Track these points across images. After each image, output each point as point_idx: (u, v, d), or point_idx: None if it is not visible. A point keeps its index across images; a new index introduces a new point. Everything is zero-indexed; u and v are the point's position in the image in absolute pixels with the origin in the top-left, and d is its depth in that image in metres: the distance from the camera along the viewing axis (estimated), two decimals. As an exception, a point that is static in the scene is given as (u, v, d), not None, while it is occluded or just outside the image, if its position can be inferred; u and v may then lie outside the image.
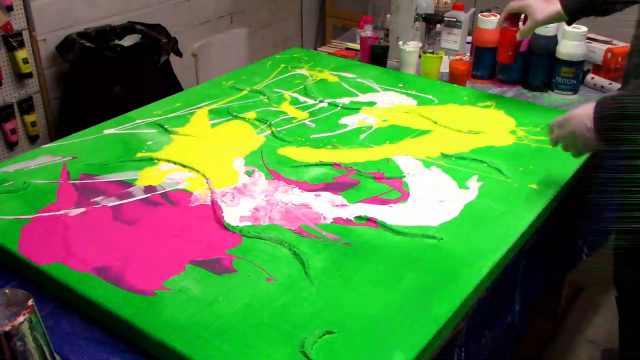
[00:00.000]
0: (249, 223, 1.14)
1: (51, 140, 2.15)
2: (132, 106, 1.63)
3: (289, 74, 1.85)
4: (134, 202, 1.20)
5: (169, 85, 2.56)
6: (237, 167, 1.34)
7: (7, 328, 0.70)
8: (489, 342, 1.16)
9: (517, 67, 1.86)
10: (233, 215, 1.16)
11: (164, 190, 1.24)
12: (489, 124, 1.53)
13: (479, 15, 1.90)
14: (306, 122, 1.55)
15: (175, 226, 1.13)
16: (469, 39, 2.03)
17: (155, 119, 1.55)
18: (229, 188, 1.25)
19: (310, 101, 1.67)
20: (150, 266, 1.02)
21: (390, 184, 1.27)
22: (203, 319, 0.91)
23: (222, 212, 1.16)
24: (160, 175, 1.29)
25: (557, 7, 1.43)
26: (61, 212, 1.16)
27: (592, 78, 1.88)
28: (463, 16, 2.00)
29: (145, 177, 1.29)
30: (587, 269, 2.24)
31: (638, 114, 1.06)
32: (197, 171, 1.31)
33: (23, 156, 1.39)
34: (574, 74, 1.79)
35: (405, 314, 0.92)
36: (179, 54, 2.67)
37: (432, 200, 1.21)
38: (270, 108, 1.62)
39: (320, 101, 1.66)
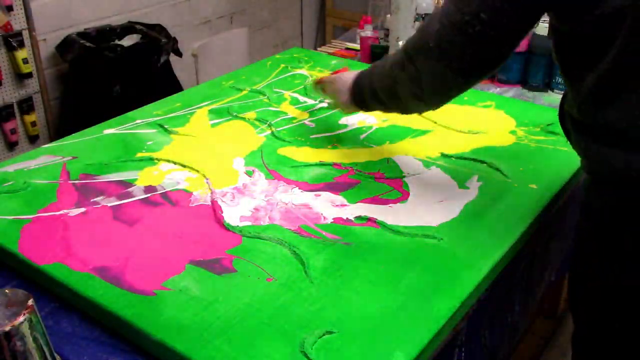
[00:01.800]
0: (249, 223, 1.14)
1: (51, 140, 2.15)
2: (132, 106, 1.63)
3: (289, 74, 1.85)
4: (134, 202, 1.20)
5: (169, 85, 2.56)
6: (237, 167, 1.34)
7: (7, 328, 0.70)
8: (489, 342, 1.16)
9: (517, 67, 1.86)
10: (233, 215, 1.16)
11: (164, 190, 1.24)
12: (489, 124, 1.53)
13: (479, 15, 1.90)
14: (306, 122, 1.55)
15: (175, 226, 1.13)
16: (469, 39, 2.03)
17: (155, 119, 1.55)
18: (229, 188, 1.25)
19: (310, 101, 1.67)
20: (150, 266, 1.02)
21: (390, 184, 1.27)
22: (203, 319, 0.91)
23: (222, 212, 1.16)
24: (160, 175, 1.29)
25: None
26: (61, 212, 1.16)
27: (592, 78, 1.88)
28: (463, 16, 2.00)
29: (145, 177, 1.29)
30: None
31: (376, 88, 1.18)
32: (197, 171, 1.31)
33: (23, 156, 1.39)
34: (574, 74, 1.78)
35: (405, 314, 0.92)
36: (179, 54, 2.67)
37: (432, 200, 1.21)
38: (270, 108, 1.62)
39: (320, 101, 1.66)
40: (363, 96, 1.24)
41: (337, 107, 1.43)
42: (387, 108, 1.23)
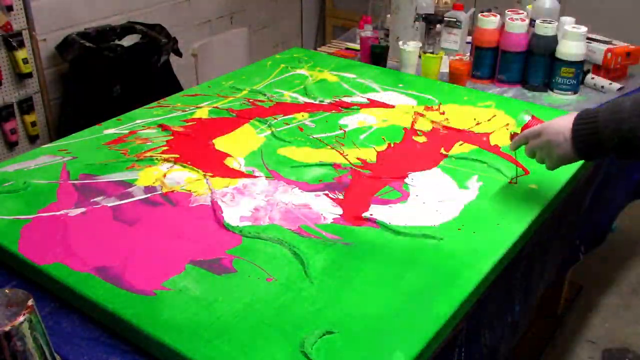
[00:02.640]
0: (249, 223, 1.14)
1: (51, 140, 2.15)
2: (132, 106, 1.63)
3: (289, 74, 1.85)
4: (134, 202, 1.20)
5: (169, 85, 2.56)
6: (237, 167, 1.34)
7: (7, 328, 0.70)
8: (489, 342, 1.16)
9: (517, 67, 1.86)
10: (233, 215, 1.16)
11: (164, 191, 1.24)
12: (489, 124, 1.53)
13: (479, 15, 1.90)
14: (306, 122, 1.55)
15: (175, 226, 1.13)
16: (469, 39, 2.03)
17: (155, 119, 1.55)
18: (229, 188, 1.25)
19: (310, 101, 1.67)
20: (150, 266, 1.02)
21: (390, 184, 1.27)
22: (203, 319, 0.91)
23: (222, 212, 1.16)
24: (160, 175, 1.29)
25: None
26: (61, 212, 1.16)
27: (592, 78, 1.88)
28: (463, 16, 2.00)
29: (145, 177, 1.29)
30: (586, 269, 2.25)
31: (611, 133, 1.02)
32: (197, 171, 1.31)
33: (23, 156, 1.39)
34: (574, 74, 1.79)
35: (405, 314, 0.92)
36: (179, 54, 2.67)
37: (432, 200, 1.21)
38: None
39: (321, 101, 1.66)
40: (604, 142, 1.04)
41: (553, 163, 1.13)
42: None
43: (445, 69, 1.92)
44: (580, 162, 1.31)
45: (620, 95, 1.03)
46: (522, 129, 1.20)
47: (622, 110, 1.01)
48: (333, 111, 1.60)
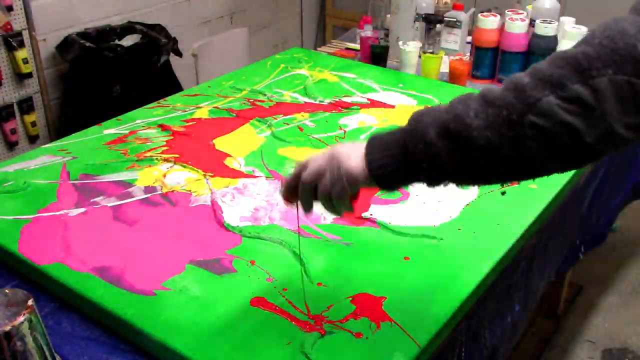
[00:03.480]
0: (249, 223, 1.14)
1: (51, 140, 2.14)
2: (132, 106, 1.63)
3: (289, 74, 1.85)
4: (134, 202, 1.20)
5: (169, 85, 2.56)
6: (237, 167, 1.34)
7: (7, 328, 0.70)
8: (488, 342, 1.16)
9: (517, 67, 1.86)
10: (233, 215, 1.16)
11: (164, 191, 1.24)
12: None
13: (479, 15, 1.90)
14: (306, 122, 1.55)
15: (175, 226, 1.13)
16: (469, 39, 2.03)
17: (155, 119, 1.55)
18: (229, 188, 1.25)
19: (310, 101, 1.67)
20: (150, 266, 1.02)
21: (390, 184, 1.27)
22: (203, 319, 0.91)
23: (222, 212, 1.16)
24: (160, 175, 1.29)
25: None
26: (61, 212, 1.16)
27: (592, 78, 1.88)
28: (463, 16, 2.00)
29: (145, 177, 1.29)
30: (586, 269, 2.25)
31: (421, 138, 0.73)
32: (197, 171, 1.31)
33: (23, 156, 1.39)
34: (574, 74, 1.78)
35: (405, 314, 0.92)
36: (179, 54, 2.67)
37: (432, 200, 1.21)
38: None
39: (321, 101, 1.66)
40: (422, 162, 0.73)
41: (339, 199, 0.79)
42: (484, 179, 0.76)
43: (445, 69, 1.92)
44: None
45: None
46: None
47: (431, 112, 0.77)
48: (333, 111, 1.60)
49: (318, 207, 0.82)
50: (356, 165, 0.77)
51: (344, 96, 1.69)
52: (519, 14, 1.87)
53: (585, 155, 0.69)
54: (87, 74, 2.39)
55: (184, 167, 1.33)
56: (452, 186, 0.76)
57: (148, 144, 1.43)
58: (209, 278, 0.99)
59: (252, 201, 1.21)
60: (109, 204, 1.19)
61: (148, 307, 0.93)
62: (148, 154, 1.38)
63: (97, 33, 2.50)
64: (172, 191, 1.24)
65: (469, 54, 1.98)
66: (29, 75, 2.35)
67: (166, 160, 1.36)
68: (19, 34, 2.28)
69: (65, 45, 2.41)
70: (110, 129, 1.50)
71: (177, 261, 1.03)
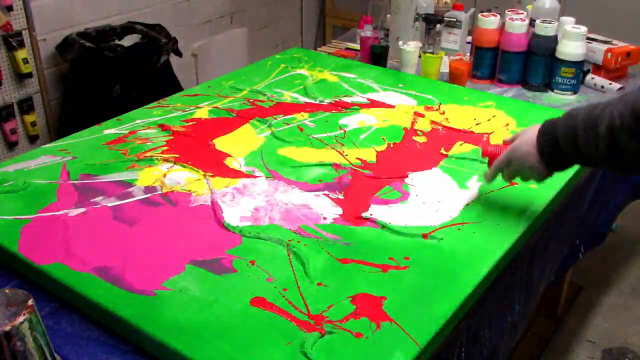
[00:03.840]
0: (249, 223, 1.14)
1: (51, 140, 2.14)
2: (132, 106, 1.63)
3: (289, 74, 1.85)
4: (134, 202, 1.20)
5: (169, 85, 2.56)
6: (237, 167, 1.34)
7: (7, 328, 0.70)
8: (488, 342, 1.16)
9: (517, 67, 1.86)
10: (233, 215, 1.16)
11: (164, 191, 1.24)
12: (489, 124, 1.53)
13: (479, 15, 1.90)
14: (306, 122, 1.55)
15: (175, 226, 1.13)
16: (469, 39, 2.03)
17: (155, 119, 1.55)
18: (229, 188, 1.25)
19: (310, 101, 1.67)
20: (150, 266, 1.02)
21: (390, 184, 1.27)
22: (203, 319, 0.91)
23: (222, 212, 1.16)
24: (160, 175, 1.29)
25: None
26: (61, 212, 1.16)
27: (592, 78, 1.88)
28: (463, 16, 2.00)
29: (145, 177, 1.29)
30: (586, 269, 2.25)
31: (570, 148, 0.99)
32: (197, 171, 1.31)
33: (23, 156, 1.39)
34: (574, 74, 1.79)
35: (405, 314, 0.92)
36: (179, 54, 2.67)
37: (432, 200, 1.21)
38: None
39: (321, 101, 1.66)
40: (568, 156, 1.02)
41: (538, 181, 1.10)
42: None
43: (445, 69, 1.92)
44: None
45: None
46: (489, 154, 1.17)
47: (576, 124, 0.98)
48: (333, 111, 1.60)
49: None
50: (542, 171, 1.07)
51: (344, 96, 1.69)
52: (519, 14, 1.87)
53: None
54: (87, 74, 2.39)
55: (184, 167, 1.33)
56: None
57: (148, 144, 1.43)
58: (209, 278, 0.99)
59: (252, 201, 1.21)
60: (109, 204, 1.19)
61: (148, 307, 0.93)
62: (148, 154, 1.38)
63: (97, 33, 2.50)
64: (172, 191, 1.24)
65: (469, 54, 1.98)
66: (29, 75, 2.35)
67: (166, 160, 1.36)
68: (19, 34, 2.28)
69: (65, 45, 2.41)
70: (110, 129, 1.50)
71: (177, 261, 1.03)
